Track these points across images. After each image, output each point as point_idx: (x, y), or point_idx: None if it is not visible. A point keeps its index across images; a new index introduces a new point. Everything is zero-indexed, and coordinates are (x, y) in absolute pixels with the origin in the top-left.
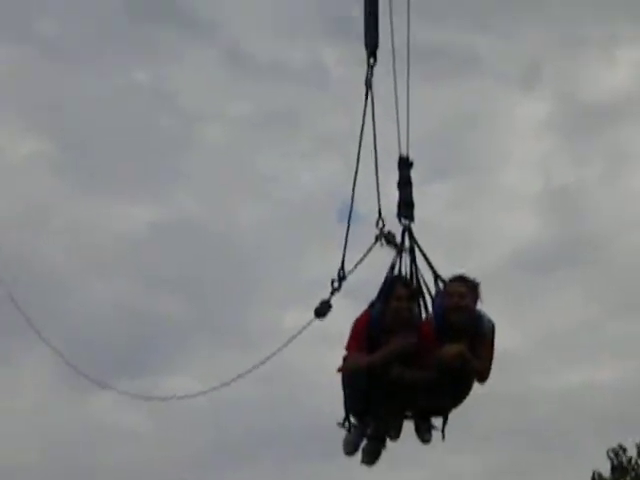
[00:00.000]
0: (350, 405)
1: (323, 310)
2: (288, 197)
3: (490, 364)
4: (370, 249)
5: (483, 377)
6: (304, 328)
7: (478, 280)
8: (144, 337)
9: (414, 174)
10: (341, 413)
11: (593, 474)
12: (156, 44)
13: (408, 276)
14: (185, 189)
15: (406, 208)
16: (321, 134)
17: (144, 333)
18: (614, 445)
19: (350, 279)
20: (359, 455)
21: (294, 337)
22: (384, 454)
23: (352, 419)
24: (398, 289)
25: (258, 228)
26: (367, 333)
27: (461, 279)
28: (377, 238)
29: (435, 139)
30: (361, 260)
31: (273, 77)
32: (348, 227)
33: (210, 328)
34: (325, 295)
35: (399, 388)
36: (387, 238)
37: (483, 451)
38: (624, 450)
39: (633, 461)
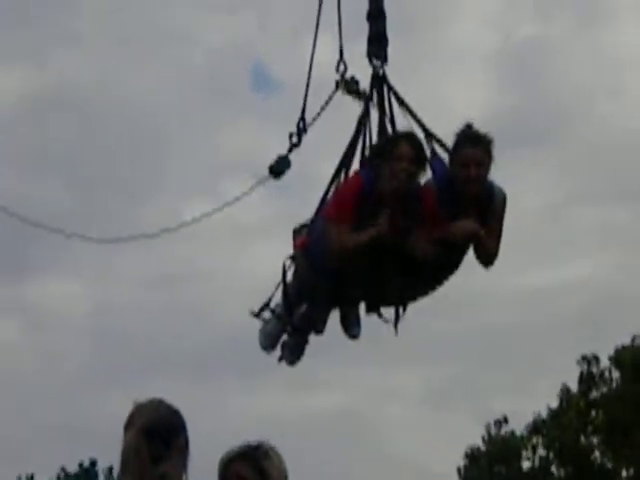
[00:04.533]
0: (311, 285)
1: (281, 167)
2: (192, 60)
3: (499, 245)
4: (330, 98)
5: (491, 260)
6: (256, 186)
7: (490, 135)
8: (13, 234)
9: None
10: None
11: (562, 388)
12: None
13: (377, 135)
14: (67, 50)
15: (377, 45)
16: None
17: (13, 229)
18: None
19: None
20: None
21: (236, 199)
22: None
23: (274, 307)
24: (402, 146)
25: (155, 99)
26: (357, 202)
27: (477, 140)
28: (337, 85)
29: None
30: (321, 112)
31: None
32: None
33: (97, 222)
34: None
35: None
36: (348, 86)
37: (429, 365)
38: (597, 359)
39: (606, 373)
